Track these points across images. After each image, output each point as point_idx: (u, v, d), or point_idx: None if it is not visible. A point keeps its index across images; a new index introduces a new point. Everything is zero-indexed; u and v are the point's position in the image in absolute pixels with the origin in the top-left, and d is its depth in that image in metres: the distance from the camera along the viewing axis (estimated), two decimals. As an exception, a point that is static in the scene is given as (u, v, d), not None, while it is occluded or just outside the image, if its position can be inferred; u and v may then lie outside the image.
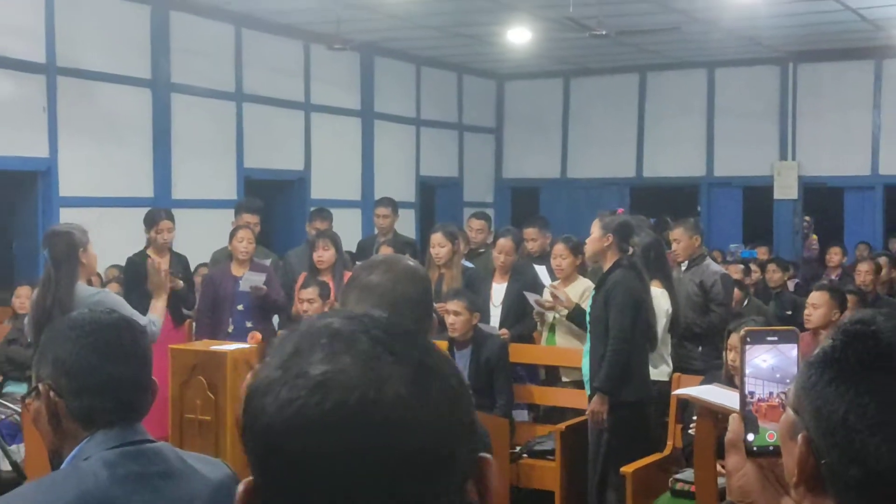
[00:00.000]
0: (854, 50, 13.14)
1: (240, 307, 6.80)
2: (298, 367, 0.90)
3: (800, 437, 1.32)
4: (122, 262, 7.77)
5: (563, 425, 6.28)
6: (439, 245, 7.07)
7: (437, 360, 0.93)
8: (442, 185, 14.98)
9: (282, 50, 11.87)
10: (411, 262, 2.42)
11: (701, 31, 11.80)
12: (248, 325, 6.71)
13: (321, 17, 10.99)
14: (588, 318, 5.81)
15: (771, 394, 1.52)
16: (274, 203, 11.48)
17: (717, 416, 4.46)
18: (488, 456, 0.94)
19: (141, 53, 10.25)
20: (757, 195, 14.21)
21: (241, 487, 0.93)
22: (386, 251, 7.26)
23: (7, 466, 5.27)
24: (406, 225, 11.82)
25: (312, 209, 9.93)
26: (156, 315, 5.14)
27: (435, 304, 4.94)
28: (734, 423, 1.52)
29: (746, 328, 1.66)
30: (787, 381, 1.43)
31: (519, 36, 11.50)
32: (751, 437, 1.50)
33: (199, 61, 10.81)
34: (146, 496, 1.94)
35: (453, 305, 6.25)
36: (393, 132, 13.77)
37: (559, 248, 6.65)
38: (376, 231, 9.23)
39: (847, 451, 1.27)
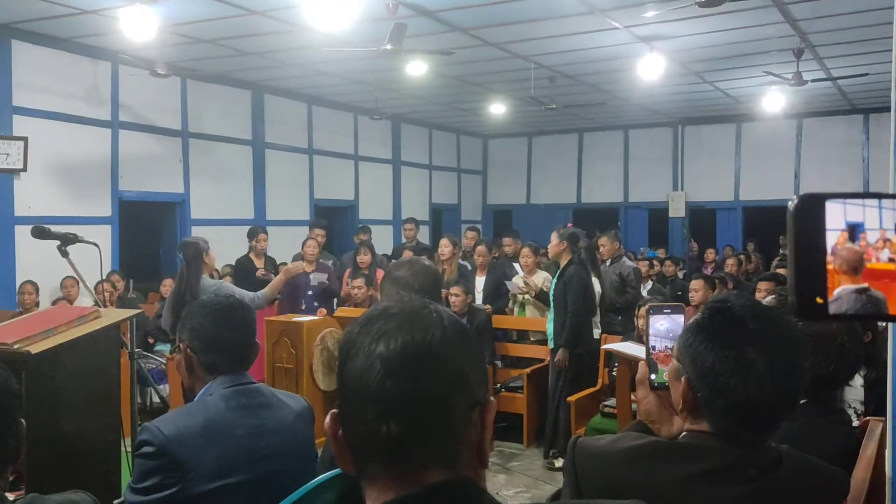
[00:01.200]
0: (722, 116, 13.14)
1: (310, 292, 6.80)
2: (374, 326, 0.90)
3: (682, 378, 1.33)
4: (233, 262, 7.79)
5: (528, 370, 6.30)
6: (444, 247, 7.08)
7: (453, 317, 0.94)
8: (447, 209, 14.94)
9: (338, 119, 11.88)
10: (427, 261, 2.43)
11: (620, 105, 11.79)
12: (316, 304, 6.71)
13: (365, 98, 11.01)
14: (552, 298, 5.82)
15: (666, 347, 1.53)
16: (335, 222, 11.54)
17: (630, 362, 4.47)
18: (492, 399, 0.93)
19: (244, 122, 10.28)
20: (658, 214, 14.18)
21: (328, 419, 0.91)
22: (409, 254, 7.26)
23: (157, 399, 5.29)
24: (423, 236, 11.84)
25: (360, 226, 9.97)
26: (264, 293, 5.12)
27: (442, 290, 4.95)
28: (641, 367, 1.53)
29: (650, 304, 1.68)
30: (676, 339, 1.45)
31: (497, 109, 11.50)
32: (653, 376, 1.51)
33: (284, 127, 10.83)
34: (251, 420, 1.95)
35: (455, 290, 6.27)
36: (413, 174, 13.75)
37: (525, 250, 6.63)
38: (404, 240, 9.23)
39: (714, 388, 1.28)
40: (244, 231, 7.81)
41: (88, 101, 8.26)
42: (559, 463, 5.42)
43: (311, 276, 6.77)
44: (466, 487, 0.88)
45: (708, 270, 9.90)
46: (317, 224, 8.12)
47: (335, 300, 7.27)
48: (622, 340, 5.39)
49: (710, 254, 11.56)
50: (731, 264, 8.97)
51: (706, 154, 13.69)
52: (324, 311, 6.48)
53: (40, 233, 3.34)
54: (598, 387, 5.80)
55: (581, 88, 10.45)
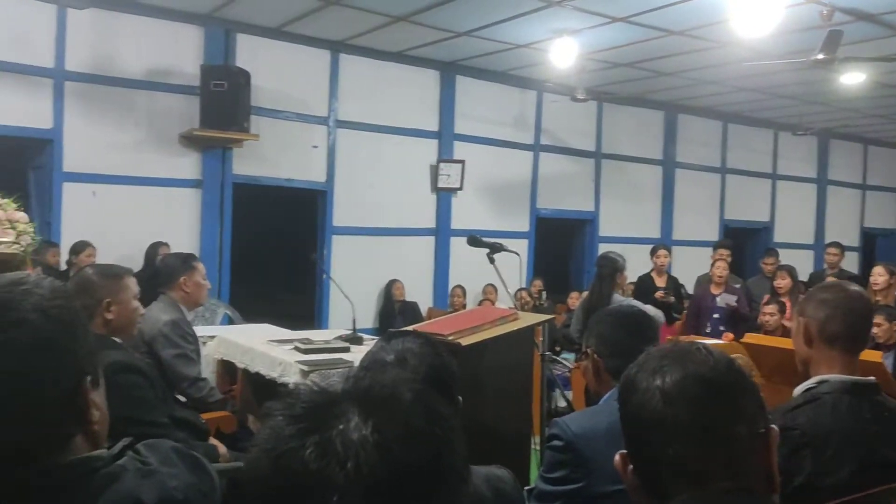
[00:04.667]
0: None
1: (715, 315, 6.54)
2: (650, 365, 1.02)
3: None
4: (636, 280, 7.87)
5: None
6: (879, 276, 6.20)
7: (724, 356, 1.06)
8: (882, 235, 13.11)
9: (755, 136, 11.25)
10: (854, 286, 2.17)
11: None
12: (721, 328, 6.44)
13: (787, 113, 10.26)
14: None
15: None
16: (745, 243, 10.98)
17: None
18: (775, 427, 1.02)
19: (656, 142, 10.37)
20: None
21: (617, 458, 1.03)
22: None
23: (563, 403, 5.57)
24: (849, 263, 10.56)
25: (766, 249, 9.33)
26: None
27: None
28: None
29: None
30: None
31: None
32: None
33: (696, 147, 10.63)
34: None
35: (878, 318, 5.48)
36: (842, 195, 12.38)
37: None
38: (825, 266, 8.34)
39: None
40: (646, 250, 7.86)
41: (515, 127, 9.12)
42: None
43: (718, 299, 6.52)
44: (753, 495, 0.92)
45: None
46: (722, 244, 7.79)
47: (742, 325, 6.88)
48: None
49: None
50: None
51: None
52: (730, 335, 6.18)
53: (474, 241, 3.79)
54: None
55: None
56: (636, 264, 8.22)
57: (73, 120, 6.48)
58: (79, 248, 6.20)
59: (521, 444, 2.93)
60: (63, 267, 6.15)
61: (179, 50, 6.94)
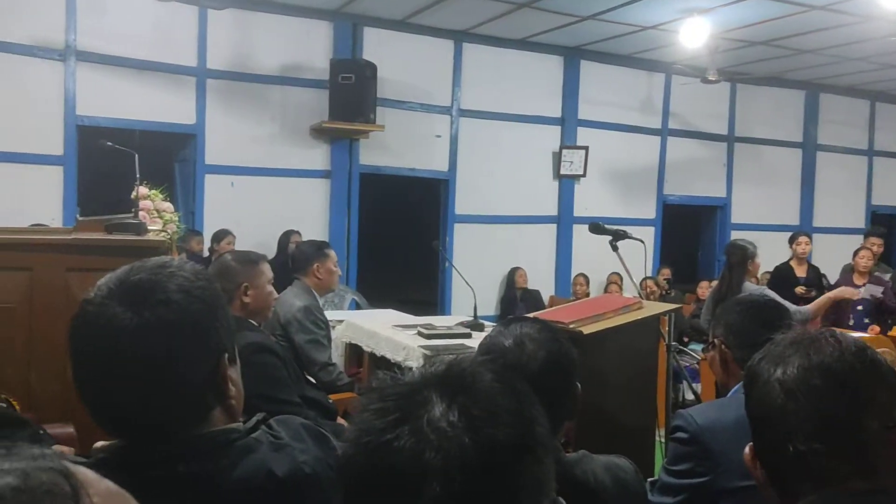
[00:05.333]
0: None
1: (859, 307, 6.13)
2: (775, 351, 0.99)
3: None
4: (772, 269, 7.47)
5: None
6: None
7: (853, 342, 1.03)
8: None
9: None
10: None
11: None
12: (866, 321, 6.02)
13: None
14: None
15: None
16: (894, 231, 10.20)
17: None
18: None
19: (795, 124, 9.79)
20: None
21: (747, 450, 0.99)
22: None
23: (690, 395, 5.40)
24: None
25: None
26: (808, 309, 4.88)
27: None
28: None
29: None
30: None
31: None
32: None
33: (840, 128, 9.97)
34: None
35: None
36: None
37: None
38: None
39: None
40: (786, 237, 7.45)
41: (642, 112, 8.87)
42: None
43: (863, 290, 6.10)
44: (893, 497, 0.87)
45: None
46: (873, 232, 7.26)
47: (890, 318, 6.42)
48: None
49: None
50: None
51: None
52: (876, 328, 5.78)
53: (596, 228, 3.73)
54: None
55: None
56: (771, 252, 7.83)
57: (214, 115, 6.88)
58: (220, 235, 6.59)
59: (644, 435, 2.87)
60: (206, 254, 6.56)
61: (310, 45, 7.21)
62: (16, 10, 6.04)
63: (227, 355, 1.10)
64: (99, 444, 1.06)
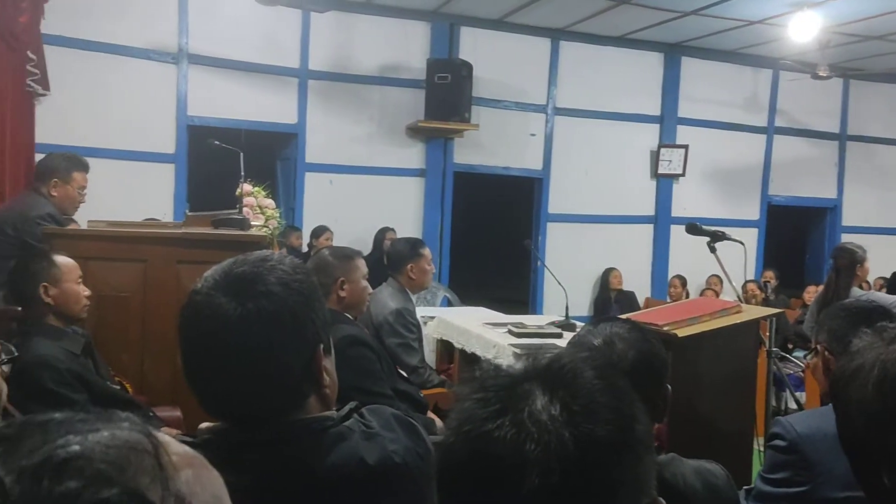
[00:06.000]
0: None
1: None
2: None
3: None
4: (888, 275, 7.06)
5: None
6: None
7: None
8: None
9: None
10: None
11: None
12: None
13: None
14: None
15: None
16: None
17: None
18: None
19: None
20: None
21: None
22: None
23: (793, 404, 5.19)
24: None
25: None
26: None
27: None
28: None
29: None
30: None
31: None
32: None
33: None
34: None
35: None
36: None
37: None
38: None
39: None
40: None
41: (746, 109, 8.56)
42: None
43: None
44: None
45: None
46: None
47: None
48: None
49: None
50: None
51: None
52: None
53: (693, 229, 3.64)
54: None
55: None
56: (885, 257, 7.42)
57: (314, 115, 7.09)
58: (318, 231, 6.80)
59: (740, 442, 2.78)
60: (304, 249, 6.77)
61: (408, 46, 7.32)
62: (133, 16, 6.40)
63: (322, 346, 1.15)
64: (204, 425, 1.13)
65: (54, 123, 5.96)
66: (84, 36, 6.14)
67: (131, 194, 6.18)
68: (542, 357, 0.76)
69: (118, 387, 2.82)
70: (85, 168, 3.66)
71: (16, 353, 1.26)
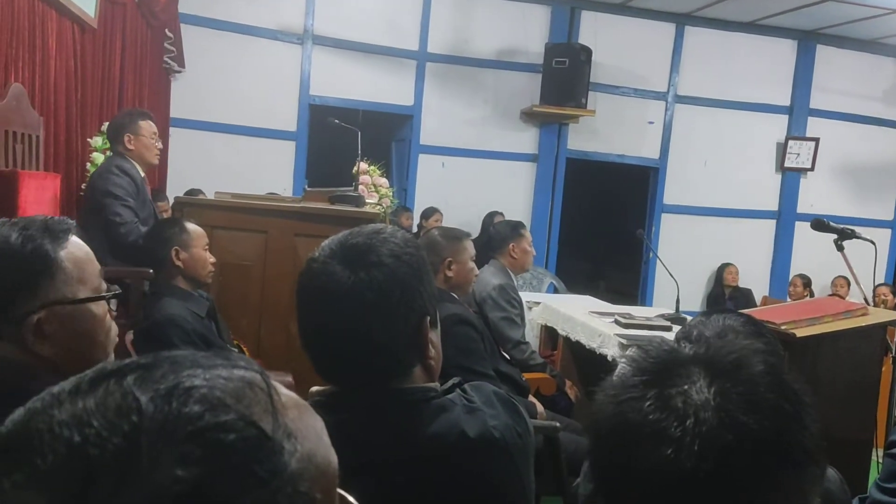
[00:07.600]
0: None
1: None
2: None
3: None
4: None
5: None
6: None
7: None
8: None
9: None
10: None
11: None
12: None
13: None
14: None
15: None
16: None
17: None
18: None
19: None
20: None
21: None
22: None
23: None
24: None
25: None
26: None
27: None
28: None
29: None
30: None
31: None
32: None
33: None
34: None
35: None
36: None
37: None
38: None
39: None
40: None
41: (886, 102, 8.00)
42: None
43: None
44: None
45: None
46: None
47: None
48: None
49: None
50: None
51: None
52: None
53: (819, 225, 3.45)
54: None
55: None
56: None
57: (430, 98, 7.17)
58: (428, 213, 6.89)
59: (858, 451, 2.63)
60: (414, 229, 6.89)
61: (527, 30, 7.27)
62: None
63: (429, 318, 1.18)
64: (314, 388, 1.18)
65: (187, 99, 6.31)
66: (217, 16, 6.45)
67: (255, 169, 6.46)
68: (714, 344, 0.76)
69: (237, 350, 2.98)
70: (148, 116, 3.71)
71: (119, 291, 1.36)
